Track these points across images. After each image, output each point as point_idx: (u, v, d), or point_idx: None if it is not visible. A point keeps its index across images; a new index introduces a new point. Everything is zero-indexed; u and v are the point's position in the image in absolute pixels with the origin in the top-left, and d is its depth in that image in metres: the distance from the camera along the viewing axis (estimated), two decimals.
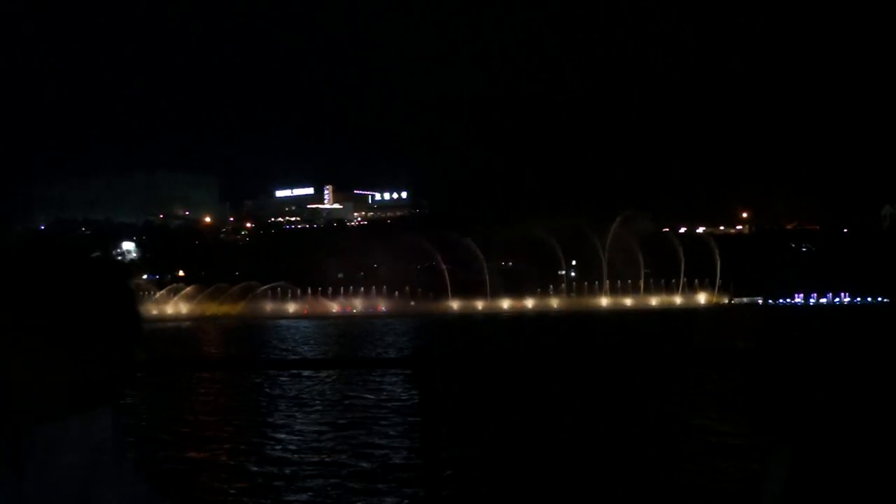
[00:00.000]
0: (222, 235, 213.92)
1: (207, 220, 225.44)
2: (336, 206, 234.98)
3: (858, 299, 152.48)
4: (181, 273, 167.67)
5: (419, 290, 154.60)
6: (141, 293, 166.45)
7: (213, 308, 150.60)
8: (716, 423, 18.53)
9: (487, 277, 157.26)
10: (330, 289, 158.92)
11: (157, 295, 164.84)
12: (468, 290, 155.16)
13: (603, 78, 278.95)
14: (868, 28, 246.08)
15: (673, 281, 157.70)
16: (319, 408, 22.95)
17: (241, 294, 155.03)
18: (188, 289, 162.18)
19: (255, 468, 14.92)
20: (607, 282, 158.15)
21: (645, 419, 19.37)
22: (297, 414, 21.76)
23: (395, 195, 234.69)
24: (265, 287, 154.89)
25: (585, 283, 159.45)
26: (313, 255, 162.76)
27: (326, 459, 15.49)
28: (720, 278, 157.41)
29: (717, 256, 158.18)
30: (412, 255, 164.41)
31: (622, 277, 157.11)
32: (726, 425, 18.14)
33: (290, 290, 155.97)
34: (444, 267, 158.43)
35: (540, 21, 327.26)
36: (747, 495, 11.45)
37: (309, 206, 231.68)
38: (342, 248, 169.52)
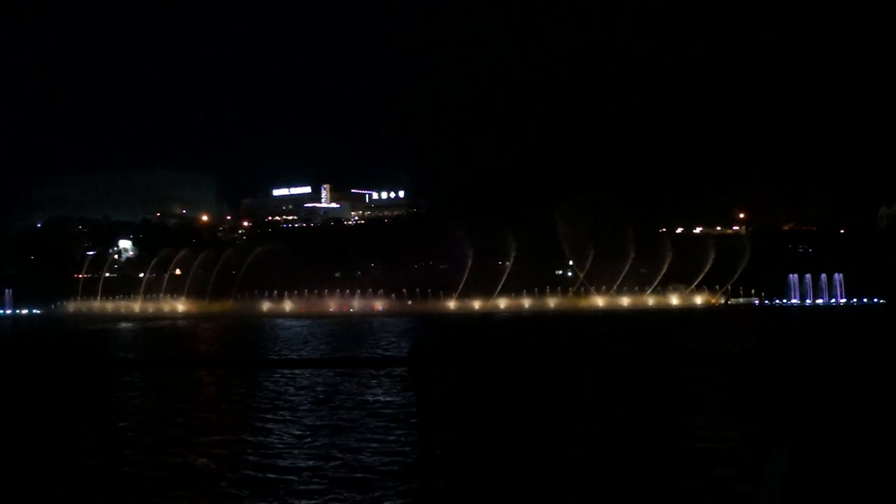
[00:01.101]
0: (219, 234, 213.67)
1: (205, 218, 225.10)
2: (333, 205, 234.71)
3: (855, 300, 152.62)
4: (178, 271, 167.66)
5: (417, 289, 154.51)
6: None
7: (208, 306, 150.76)
8: (703, 426, 18.62)
9: (505, 275, 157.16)
10: (326, 289, 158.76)
11: (152, 264, 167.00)
12: (471, 288, 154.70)
13: (601, 77, 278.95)
14: (868, 28, 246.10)
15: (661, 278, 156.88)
16: (314, 408, 23.00)
17: (237, 257, 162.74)
18: (182, 252, 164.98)
19: (248, 470, 14.97)
20: (605, 282, 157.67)
21: (635, 422, 19.44)
22: (293, 415, 21.81)
23: (392, 194, 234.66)
24: (260, 249, 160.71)
25: (582, 281, 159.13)
26: (310, 254, 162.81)
27: (320, 461, 15.55)
28: (735, 279, 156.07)
29: (748, 254, 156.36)
30: (410, 254, 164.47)
31: (617, 277, 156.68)
32: (714, 428, 18.22)
33: (285, 289, 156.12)
34: (468, 264, 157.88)
35: (537, 18, 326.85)
36: (745, 496, 11.53)
37: (306, 205, 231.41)
38: (339, 248, 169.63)
